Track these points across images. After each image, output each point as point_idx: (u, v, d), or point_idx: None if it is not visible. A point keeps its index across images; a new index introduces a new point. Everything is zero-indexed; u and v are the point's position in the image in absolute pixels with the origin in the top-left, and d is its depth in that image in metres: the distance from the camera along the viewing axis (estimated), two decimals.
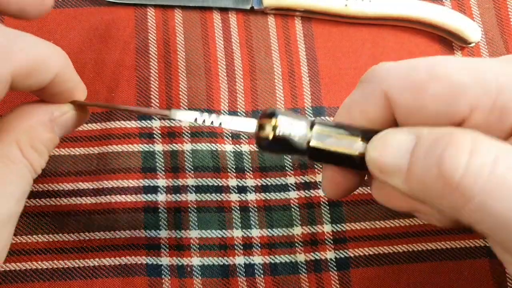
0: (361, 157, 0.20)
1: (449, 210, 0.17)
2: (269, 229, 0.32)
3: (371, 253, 0.32)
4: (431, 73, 0.18)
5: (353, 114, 0.21)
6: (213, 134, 0.33)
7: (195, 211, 0.32)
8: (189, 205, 0.32)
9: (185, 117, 0.23)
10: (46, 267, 0.31)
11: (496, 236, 0.17)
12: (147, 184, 0.32)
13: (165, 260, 0.31)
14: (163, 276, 0.31)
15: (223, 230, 0.32)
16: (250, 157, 0.33)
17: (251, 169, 0.33)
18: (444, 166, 0.16)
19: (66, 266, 0.31)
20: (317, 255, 0.32)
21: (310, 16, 0.36)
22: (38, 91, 0.22)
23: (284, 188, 0.33)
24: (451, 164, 0.16)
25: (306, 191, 0.33)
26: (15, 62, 0.20)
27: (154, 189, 0.32)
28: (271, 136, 0.21)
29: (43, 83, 0.21)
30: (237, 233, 0.32)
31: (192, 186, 0.32)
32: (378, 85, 0.20)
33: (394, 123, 0.21)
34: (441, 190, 0.17)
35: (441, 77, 0.18)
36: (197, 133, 0.33)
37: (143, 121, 0.33)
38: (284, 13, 0.36)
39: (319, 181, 0.33)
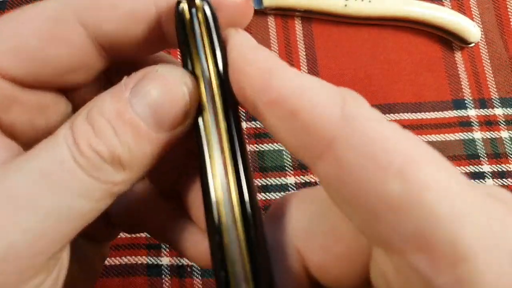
0: None
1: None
2: None
3: None
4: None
5: None
6: None
7: None
8: None
9: None
10: None
11: None
12: None
13: (165, 260, 0.31)
14: (163, 276, 0.31)
15: None
16: (249, 157, 0.33)
17: (251, 169, 0.33)
18: None
19: None
20: None
21: (310, 16, 0.36)
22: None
23: (284, 188, 0.33)
24: None
25: None
26: None
27: None
28: None
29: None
30: None
31: None
32: None
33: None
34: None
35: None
36: None
37: None
38: (284, 13, 0.36)
39: (319, 181, 0.33)
